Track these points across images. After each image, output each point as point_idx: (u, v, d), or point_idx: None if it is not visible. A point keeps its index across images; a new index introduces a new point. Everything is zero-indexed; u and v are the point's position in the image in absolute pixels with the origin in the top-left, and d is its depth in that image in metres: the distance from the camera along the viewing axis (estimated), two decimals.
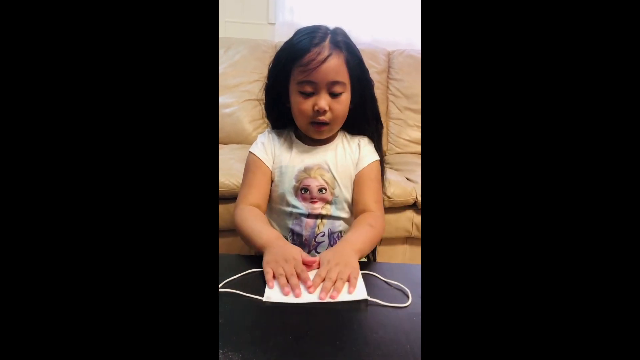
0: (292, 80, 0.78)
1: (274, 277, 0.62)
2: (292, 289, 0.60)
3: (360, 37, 2.05)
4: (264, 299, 0.58)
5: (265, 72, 1.99)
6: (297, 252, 0.67)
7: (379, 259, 0.96)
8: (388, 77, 2.00)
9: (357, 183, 0.84)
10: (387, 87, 1.99)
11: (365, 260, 0.92)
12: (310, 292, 0.60)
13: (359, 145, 0.86)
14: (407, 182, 1.46)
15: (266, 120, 0.92)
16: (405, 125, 1.95)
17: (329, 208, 0.83)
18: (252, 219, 0.77)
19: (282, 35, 2.05)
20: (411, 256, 1.49)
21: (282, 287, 0.61)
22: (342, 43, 0.77)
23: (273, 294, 0.59)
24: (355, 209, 0.84)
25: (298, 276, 0.62)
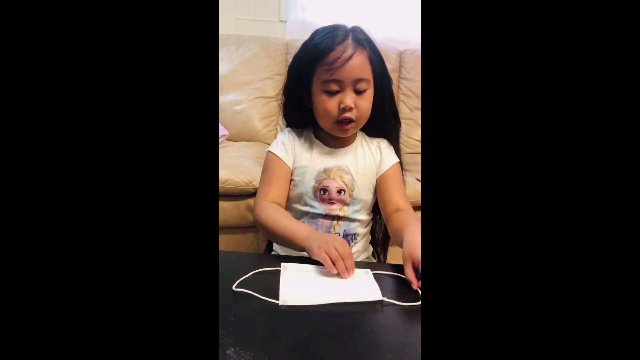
0: (315, 80, 0.77)
1: (332, 262, 0.64)
2: (344, 275, 0.63)
3: (372, 36, 2.03)
4: (280, 302, 0.57)
5: (276, 69, 2.01)
6: (339, 237, 0.71)
7: (389, 260, 0.96)
8: (399, 76, 1.99)
9: (384, 184, 0.83)
10: (398, 87, 1.98)
11: (375, 261, 0.92)
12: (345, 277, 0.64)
13: (379, 148, 0.86)
14: (417, 182, 1.45)
15: (281, 119, 0.92)
16: (415, 125, 1.94)
17: (346, 210, 0.83)
18: (282, 217, 0.76)
19: (293, 33, 2.05)
20: None
21: (340, 271, 0.63)
22: (364, 40, 0.77)
23: (289, 297, 0.58)
24: (387, 210, 0.82)
25: (345, 261, 0.64)
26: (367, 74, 0.77)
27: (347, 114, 0.76)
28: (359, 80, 0.75)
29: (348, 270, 0.63)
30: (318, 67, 0.76)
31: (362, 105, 0.77)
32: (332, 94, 0.76)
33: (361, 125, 0.82)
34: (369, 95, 0.78)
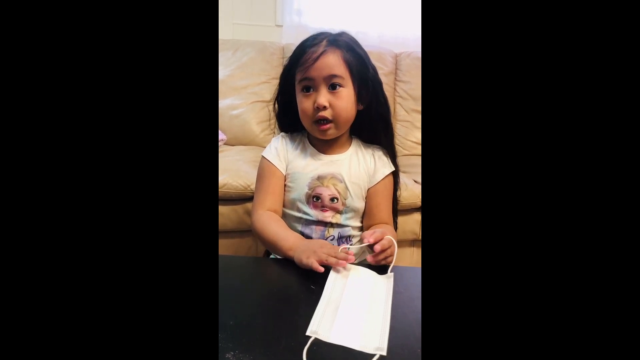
0: (296, 82, 0.80)
1: (321, 264, 0.65)
2: (340, 263, 0.65)
3: (368, 39, 2.05)
4: (376, 352, 0.49)
5: (272, 73, 2.02)
6: (324, 241, 0.74)
7: None
8: (395, 79, 2.00)
9: (374, 198, 0.84)
10: (395, 89, 1.99)
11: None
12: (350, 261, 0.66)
13: (374, 156, 0.86)
14: (414, 184, 1.45)
15: (276, 125, 0.93)
16: (412, 127, 1.94)
17: (339, 217, 0.84)
18: (273, 225, 0.78)
19: (289, 37, 2.06)
20: (418, 259, 1.49)
21: (335, 265, 0.65)
22: (341, 42, 0.79)
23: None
24: (370, 222, 0.85)
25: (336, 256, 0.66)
26: (340, 71, 0.77)
27: (322, 113, 0.77)
28: (331, 76, 0.76)
29: (342, 259, 0.65)
30: (296, 71, 0.79)
31: (337, 104, 0.77)
32: (307, 93, 0.78)
33: (342, 127, 0.81)
34: (346, 94, 0.78)
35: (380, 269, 0.69)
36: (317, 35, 0.80)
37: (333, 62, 0.76)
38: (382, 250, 0.68)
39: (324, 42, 0.78)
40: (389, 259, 0.69)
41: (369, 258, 0.69)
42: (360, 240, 0.86)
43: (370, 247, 0.70)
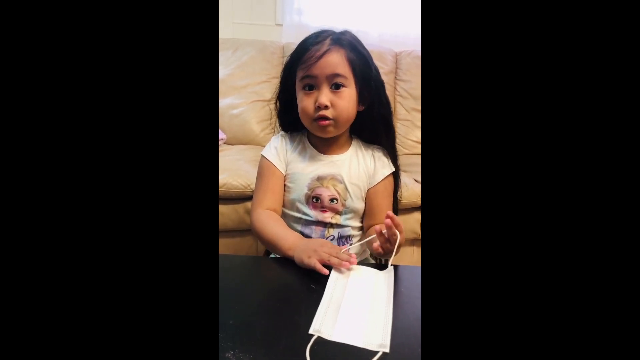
0: (297, 81, 0.79)
1: (322, 264, 0.65)
2: (343, 264, 0.65)
3: (368, 38, 2.04)
4: (379, 348, 0.49)
5: (272, 73, 2.02)
6: (324, 240, 0.73)
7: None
8: (395, 78, 2.00)
9: (374, 199, 0.84)
10: (395, 88, 1.98)
11: (373, 262, 0.92)
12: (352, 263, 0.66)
13: (374, 157, 0.85)
14: (414, 183, 1.45)
15: (276, 124, 0.92)
16: (412, 126, 1.94)
17: (339, 218, 0.83)
18: (272, 224, 0.78)
19: (289, 36, 2.06)
20: (419, 258, 1.49)
21: (337, 266, 0.65)
22: (345, 41, 0.78)
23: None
24: (370, 222, 0.84)
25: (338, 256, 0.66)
26: (343, 70, 0.76)
27: (323, 112, 0.76)
28: (334, 75, 0.75)
29: (344, 260, 0.65)
30: (298, 68, 0.78)
31: (339, 104, 0.76)
32: (309, 91, 0.77)
33: (342, 126, 0.80)
34: (348, 94, 0.77)
35: (380, 267, 0.69)
36: (320, 32, 0.79)
37: (336, 61, 0.75)
38: (389, 229, 0.66)
39: (328, 41, 0.77)
40: (383, 250, 0.70)
41: (376, 228, 0.69)
42: (361, 238, 0.86)
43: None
